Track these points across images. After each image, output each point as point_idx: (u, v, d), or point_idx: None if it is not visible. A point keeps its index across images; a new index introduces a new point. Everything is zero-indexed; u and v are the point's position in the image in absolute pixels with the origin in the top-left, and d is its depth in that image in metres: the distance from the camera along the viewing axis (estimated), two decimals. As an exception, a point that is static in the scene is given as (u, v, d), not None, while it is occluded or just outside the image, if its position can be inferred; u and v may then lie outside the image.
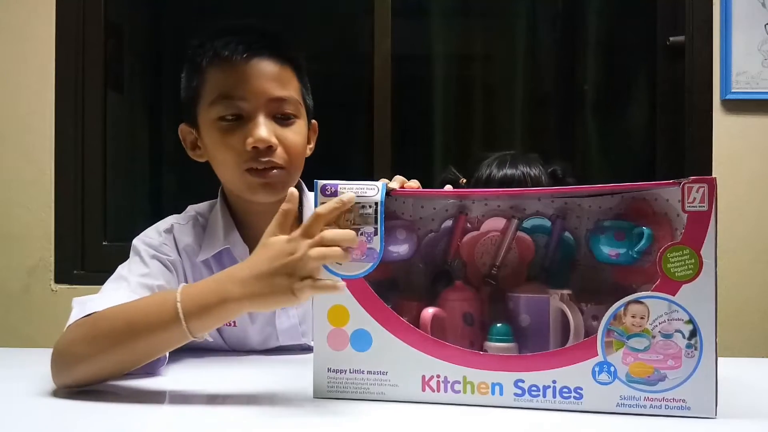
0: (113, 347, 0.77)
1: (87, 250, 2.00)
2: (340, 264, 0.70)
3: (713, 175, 1.94)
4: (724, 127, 1.92)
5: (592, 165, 2.19)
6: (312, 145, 1.07)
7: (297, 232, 0.71)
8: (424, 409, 0.69)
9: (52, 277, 1.96)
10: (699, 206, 0.65)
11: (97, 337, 0.78)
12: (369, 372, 0.71)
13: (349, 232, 0.70)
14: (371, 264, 0.70)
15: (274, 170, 0.96)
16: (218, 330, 1.02)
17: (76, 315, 0.83)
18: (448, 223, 0.81)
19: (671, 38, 1.99)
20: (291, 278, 0.69)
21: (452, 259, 0.81)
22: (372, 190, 0.71)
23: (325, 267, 0.70)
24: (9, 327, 1.93)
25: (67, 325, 0.83)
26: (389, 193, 0.75)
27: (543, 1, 2.23)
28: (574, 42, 2.22)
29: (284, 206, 0.74)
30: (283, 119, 0.97)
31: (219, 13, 2.24)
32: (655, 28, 2.04)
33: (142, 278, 0.93)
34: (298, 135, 0.99)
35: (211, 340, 0.81)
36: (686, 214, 0.65)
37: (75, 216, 1.99)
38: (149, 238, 1.02)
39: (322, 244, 0.69)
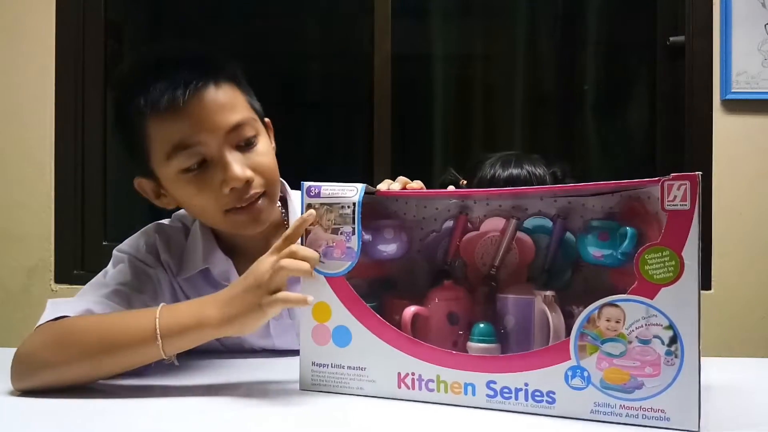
0: (83, 358, 0.76)
1: (87, 250, 2.00)
2: (323, 263, 0.73)
3: (712, 175, 1.95)
4: (724, 127, 1.92)
5: (592, 165, 2.19)
6: (273, 144, 0.99)
7: (267, 252, 0.75)
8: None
9: (52, 277, 1.96)
10: (680, 204, 0.60)
11: (66, 344, 0.77)
12: (349, 367, 0.73)
13: (313, 253, 0.73)
14: (350, 262, 0.72)
15: (258, 201, 0.91)
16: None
17: (46, 317, 0.82)
18: (450, 223, 0.81)
19: (671, 38, 1.99)
20: (259, 291, 0.72)
21: (452, 258, 0.81)
22: (351, 191, 0.73)
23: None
24: (9, 327, 1.93)
25: (36, 325, 0.82)
26: (374, 193, 0.78)
27: (543, 1, 2.23)
28: (574, 42, 2.22)
29: (295, 223, 0.76)
30: (247, 146, 0.90)
31: (219, 12, 2.24)
32: (655, 28, 2.04)
33: (120, 286, 0.90)
34: (267, 155, 0.93)
35: (177, 364, 0.79)
36: (666, 213, 0.61)
37: (75, 216, 1.99)
38: (131, 248, 0.98)
39: (291, 257, 0.72)
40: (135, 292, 0.91)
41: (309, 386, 0.75)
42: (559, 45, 2.24)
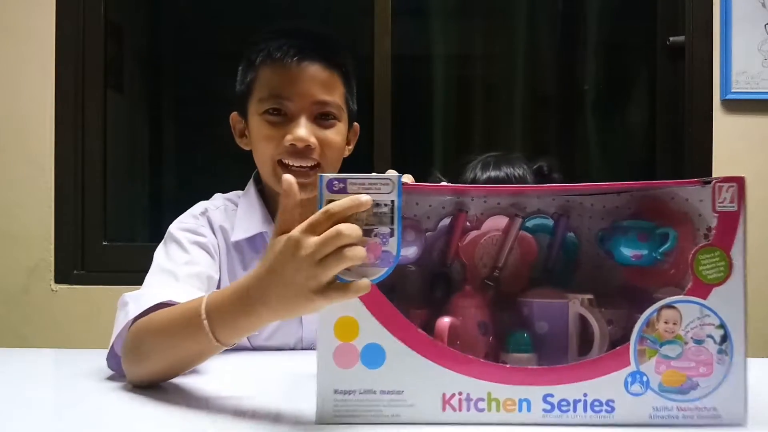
0: (155, 355, 0.76)
1: (87, 250, 2.00)
2: (348, 270, 0.61)
3: (712, 175, 1.94)
4: (724, 127, 1.92)
5: (591, 165, 2.19)
6: (351, 147, 1.14)
7: (301, 227, 0.61)
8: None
9: (52, 277, 1.95)
10: (729, 206, 0.64)
11: (143, 346, 0.77)
12: (382, 392, 0.63)
13: (356, 228, 0.61)
14: (386, 269, 0.62)
15: (309, 171, 1.01)
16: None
17: (134, 312, 0.80)
18: (446, 221, 0.75)
19: (671, 38, 1.99)
20: (309, 282, 0.60)
21: (452, 260, 0.75)
22: (387, 186, 0.62)
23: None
24: (9, 327, 1.92)
25: (124, 323, 0.80)
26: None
27: (543, 1, 2.23)
28: (574, 42, 2.22)
29: (282, 202, 0.65)
30: (323, 119, 1.03)
31: (219, 12, 2.24)
32: (655, 28, 2.04)
33: (187, 267, 0.95)
34: (337, 135, 1.04)
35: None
36: (716, 215, 0.64)
37: (75, 216, 1.99)
38: (185, 223, 1.04)
39: (334, 240, 0.60)
40: (202, 268, 0.96)
41: (330, 419, 0.63)
42: (559, 45, 2.24)
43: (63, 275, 1.93)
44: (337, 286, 0.61)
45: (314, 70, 1.01)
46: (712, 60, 1.92)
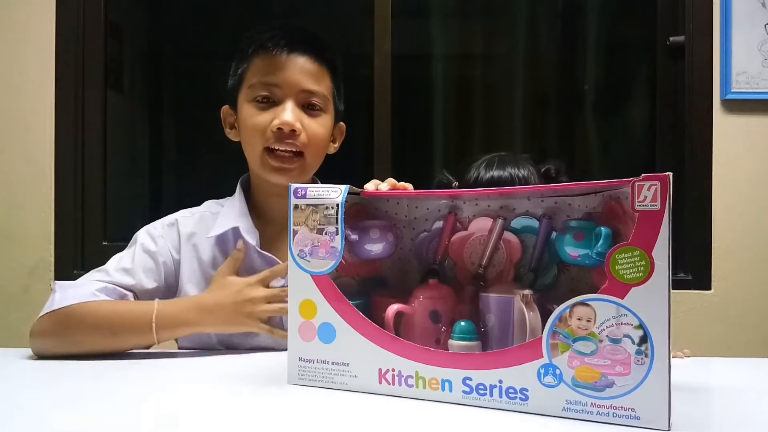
0: (86, 343, 0.94)
1: (87, 250, 2.00)
2: (309, 262, 0.76)
3: (712, 175, 1.94)
4: (724, 127, 1.92)
5: (591, 165, 2.19)
6: (337, 145, 1.16)
7: (254, 279, 0.98)
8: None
9: (52, 277, 1.96)
10: (650, 205, 0.60)
11: (73, 330, 0.94)
12: (333, 362, 0.75)
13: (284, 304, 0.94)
14: (334, 261, 0.75)
15: (293, 157, 1.05)
16: (223, 336, 1.07)
17: (57, 303, 0.95)
18: (440, 223, 0.83)
19: (671, 38, 1.99)
20: (250, 319, 0.96)
21: (441, 258, 0.82)
22: (335, 193, 0.76)
23: (296, 264, 0.77)
24: (9, 327, 1.93)
25: (49, 309, 0.95)
26: (359, 194, 0.81)
27: (543, 1, 2.23)
28: (574, 42, 2.22)
29: (234, 253, 1.01)
30: (310, 109, 1.06)
31: (219, 12, 2.24)
32: (655, 28, 2.04)
33: (122, 275, 1.03)
34: (322, 127, 1.07)
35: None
36: (636, 214, 0.61)
37: (75, 216, 1.99)
38: (153, 229, 1.10)
39: (283, 297, 0.95)
40: (133, 280, 1.03)
41: (296, 381, 0.77)
42: (559, 45, 2.24)
43: (63, 275, 1.94)
44: (266, 325, 0.97)
45: (303, 61, 1.05)
46: (712, 60, 1.92)
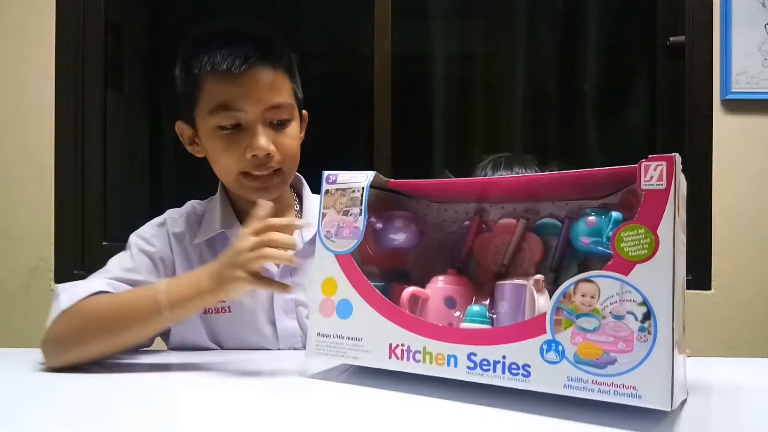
0: (104, 335, 0.88)
1: (87, 250, 2.00)
2: (334, 242, 0.79)
3: (712, 174, 1.94)
4: (724, 127, 1.92)
5: (591, 165, 2.18)
6: (302, 134, 1.11)
7: (248, 229, 0.84)
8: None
9: (52, 277, 1.96)
10: (656, 184, 0.61)
11: (88, 327, 0.88)
12: (348, 337, 0.78)
13: (290, 238, 0.83)
14: (356, 240, 0.78)
15: (273, 175, 1.02)
16: (217, 335, 1.06)
17: (65, 303, 0.90)
18: (467, 223, 0.85)
19: (671, 38, 1.99)
20: (236, 269, 0.83)
21: (466, 257, 0.83)
22: (362, 177, 0.81)
23: (323, 245, 0.80)
24: (9, 327, 1.93)
25: (57, 312, 0.90)
26: (384, 185, 0.84)
27: (543, 1, 2.23)
28: (574, 42, 2.22)
29: (254, 212, 0.87)
30: (278, 125, 1.02)
31: (219, 12, 2.24)
32: (655, 28, 2.04)
33: (124, 272, 1.00)
34: (293, 139, 1.04)
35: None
36: (642, 193, 0.61)
37: (75, 216, 1.99)
38: (144, 231, 1.08)
39: (269, 243, 0.82)
40: (139, 276, 1.01)
41: (314, 353, 0.80)
42: (559, 45, 2.24)
43: (63, 275, 1.94)
44: (260, 276, 0.83)
45: (262, 75, 0.99)
46: (712, 60, 1.92)
